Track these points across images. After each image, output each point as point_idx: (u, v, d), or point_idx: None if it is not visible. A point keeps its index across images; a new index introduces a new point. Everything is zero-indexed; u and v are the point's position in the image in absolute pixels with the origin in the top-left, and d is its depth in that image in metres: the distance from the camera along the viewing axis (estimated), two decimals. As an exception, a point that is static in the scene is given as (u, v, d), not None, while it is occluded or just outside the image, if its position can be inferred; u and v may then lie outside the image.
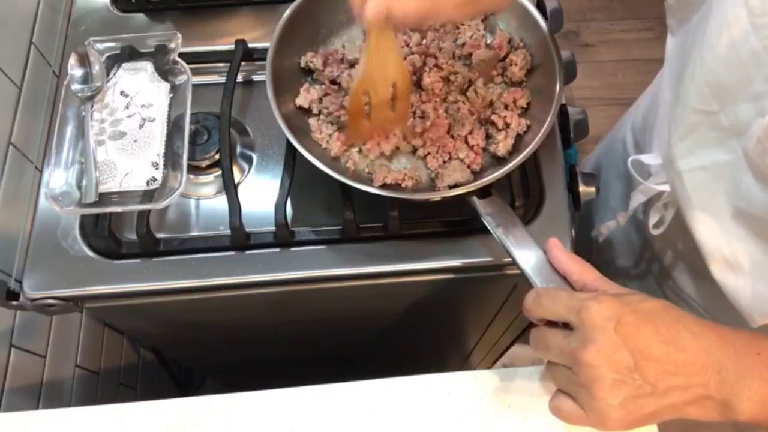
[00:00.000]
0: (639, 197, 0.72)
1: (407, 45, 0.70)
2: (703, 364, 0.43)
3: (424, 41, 0.71)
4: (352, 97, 0.60)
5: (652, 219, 0.72)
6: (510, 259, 0.58)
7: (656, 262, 0.82)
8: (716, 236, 0.58)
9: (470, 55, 0.70)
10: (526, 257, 0.55)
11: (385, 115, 0.62)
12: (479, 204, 0.60)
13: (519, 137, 0.66)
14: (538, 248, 0.55)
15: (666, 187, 0.66)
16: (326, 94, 0.69)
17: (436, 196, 0.63)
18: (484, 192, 0.61)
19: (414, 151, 0.67)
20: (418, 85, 0.69)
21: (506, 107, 0.67)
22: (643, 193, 0.71)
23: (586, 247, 1.06)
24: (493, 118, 0.66)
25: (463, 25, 0.71)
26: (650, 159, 0.69)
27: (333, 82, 0.70)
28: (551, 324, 0.49)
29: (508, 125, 0.66)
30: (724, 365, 0.43)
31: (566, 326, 0.47)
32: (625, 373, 0.43)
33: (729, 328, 0.46)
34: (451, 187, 0.63)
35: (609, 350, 0.43)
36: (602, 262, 1.01)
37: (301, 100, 0.68)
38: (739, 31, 0.49)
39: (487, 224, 0.59)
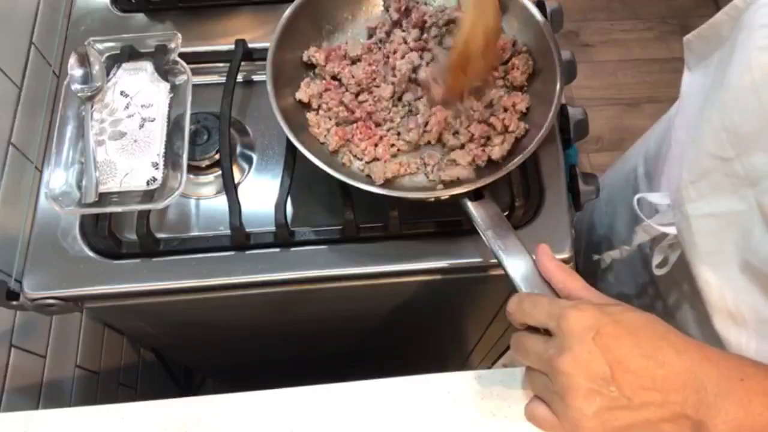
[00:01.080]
0: (642, 235, 0.70)
1: (405, 42, 0.70)
2: (682, 382, 0.43)
3: (424, 36, 0.71)
4: (458, 55, 0.61)
5: (656, 259, 0.70)
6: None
7: (660, 300, 0.80)
8: (721, 288, 0.57)
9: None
10: (514, 262, 0.55)
11: (478, 65, 0.62)
12: (470, 206, 0.60)
13: (517, 141, 0.66)
14: (526, 254, 0.55)
15: (671, 230, 0.64)
16: (326, 90, 0.69)
17: (430, 197, 0.62)
18: (476, 194, 0.61)
19: (416, 148, 0.67)
20: (415, 82, 0.69)
21: (505, 110, 0.67)
22: (647, 231, 0.69)
23: (591, 272, 1.04)
24: (492, 120, 0.66)
25: None
26: (657, 198, 0.67)
27: (334, 77, 0.70)
28: (533, 330, 0.48)
29: (506, 128, 0.65)
30: (704, 385, 0.43)
31: (548, 333, 0.47)
32: (600, 383, 0.43)
33: (716, 349, 0.45)
34: (446, 187, 0.63)
35: (585, 359, 0.43)
36: (606, 294, 0.98)
37: (301, 94, 0.68)
38: (762, 77, 0.48)
39: (476, 227, 0.59)
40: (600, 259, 0.83)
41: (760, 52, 0.48)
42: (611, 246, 0.81)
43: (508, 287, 0.54)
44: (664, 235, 0.66)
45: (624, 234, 0.75)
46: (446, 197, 0.61)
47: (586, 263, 1.03)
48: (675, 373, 0.43)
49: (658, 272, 0.70)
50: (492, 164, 0.65)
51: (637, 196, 0.68)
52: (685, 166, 0.58)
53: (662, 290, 0.78)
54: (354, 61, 0.70)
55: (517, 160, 0.61)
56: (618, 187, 0.91)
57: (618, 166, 0.97)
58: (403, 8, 0.71)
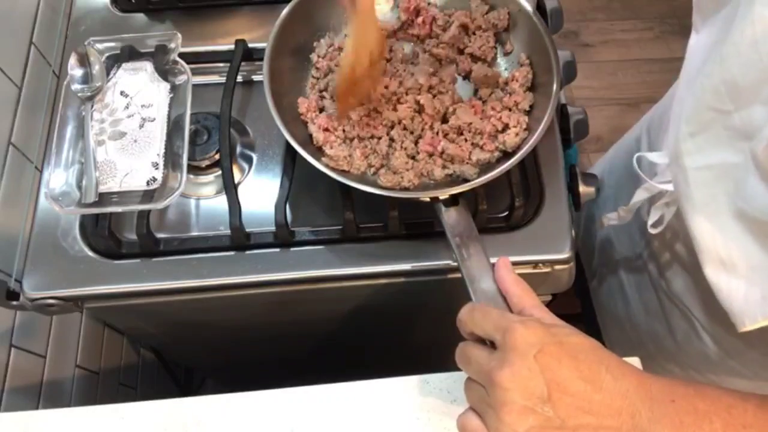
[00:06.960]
0: (642, 194, 0.72)
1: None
2: (618, 408, 0.43)
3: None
4: (341, 76, 0.62)
5: (653, 217, 0.72)
6: (513, 258, 0.57)
7: (653, 262, 0.83)
8: (714, 236, 0.58)
9: (470, 72, 0.70)
10: (474, 271, 0.54)
11: (365, 83, 0.64)
12: (443, 211, 0.59)
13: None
14: (488, 265, 0.54)
15: (669, 187, 0.65)
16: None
17: (425, 197, 0.61)
18: (453, 199, 0.60)
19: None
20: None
21: (509, 110, 0.67)
22: (647, 190, 0.71)
23: (590, 242, 1.06)
24: (493, 121, 0.66)
25: (474, 34, 0.70)
26: (657, 158, 0.68)
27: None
28: (480, 341, 0.48)
29: (506, 125, 0.65)
30: (639, 410, 0.43)
31: (494, 346, 0.46)
32: (536, 401, 0.42)
33: (648, 374, 0.45)
34: (438, 186, 0.63)
35: (524, 376, 0.43)
36: (604, 260, 1.01)
37: (302, 108, 0.68)
38: (763, 31, 0.48)
39: (446, 231, 0.58)
40: (598, 226, 0.86)
41: (763, 7, 0.48)
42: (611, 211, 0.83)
43: (466, 296, 0.53)
44: (662, 194, 0.68)
45: (625, 201, 0.77)
46: (446, 197, 0.61)
47: (585, 236, 1.08)
48: (612, 398, 0.43)
49: (653, 231, 0.72)
50: (485, 168, 0.65)
51: (636, 155, 0.70)
52: (684, 119, 0.59)
53: (656, 251, 0.81)
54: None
55: (513, 161, 0.61)
56: (620, 159, 0.93)
57: (621, 141, 1.00)
58: (412, 8, 0.71)
